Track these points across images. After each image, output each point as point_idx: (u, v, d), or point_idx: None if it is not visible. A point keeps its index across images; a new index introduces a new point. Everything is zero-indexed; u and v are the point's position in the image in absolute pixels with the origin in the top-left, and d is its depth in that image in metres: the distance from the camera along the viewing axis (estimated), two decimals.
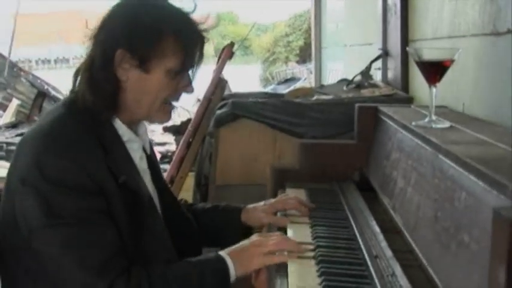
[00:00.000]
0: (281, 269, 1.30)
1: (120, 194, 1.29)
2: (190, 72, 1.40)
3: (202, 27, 1.38)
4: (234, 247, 1.37)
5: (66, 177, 1.23)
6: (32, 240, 1.25)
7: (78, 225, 1.23)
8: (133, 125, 1.41)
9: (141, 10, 1.34)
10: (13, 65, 7.49)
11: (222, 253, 1.34)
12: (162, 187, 1.54)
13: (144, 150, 1.46)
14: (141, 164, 1.42)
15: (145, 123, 1.47)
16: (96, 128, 1.32)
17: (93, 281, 1.22)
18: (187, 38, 1.34)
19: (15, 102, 6.87)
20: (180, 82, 1.38)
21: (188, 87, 1.41)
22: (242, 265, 1.32)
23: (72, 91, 1.38)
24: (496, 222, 0.73)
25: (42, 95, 6.95)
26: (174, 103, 1.42)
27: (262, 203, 1.65)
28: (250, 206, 1.65)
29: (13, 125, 6.65)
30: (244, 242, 1.38)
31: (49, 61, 37.32)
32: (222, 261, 1.32)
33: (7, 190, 1.32)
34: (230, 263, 1.31)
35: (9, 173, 1.32)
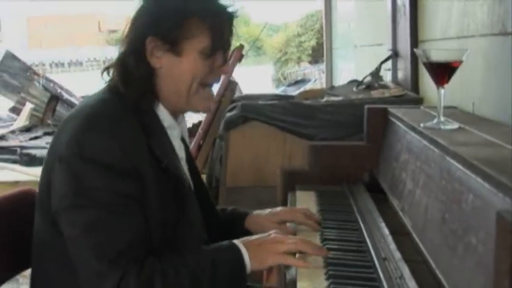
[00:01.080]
0: (289, 271, 1.31)
1: (160, 178, 1.29)
2: (223, 51, 1.40)
3: (228, 7, 1.39)
4: (251, 239, 1.34)
5: (104, 157, 1.23)
6: (59, 219, 1.25)
7: (105, 210, 1.22)
8: (176, 115, 1.42)
9: None
10: (27, 68, 7.54)
11: (238, 243, 1.31)
12: (198, 177, 1.54)
13: (183, 139, 1.47)
14: (180, 152, 1.43)
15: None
16: (138, 113, 1.32)
17: (105, 270, 1.20)
18: (212, 17, 1.35)
19: (28, 106, 6.93)
20: (215, 62, 1.38)
21: (224, 67, 1.41)
22: (257, 259, 1.29)
23: (111, 80, 1.39)
24: (499, 225, 0.73)
25: (55, 98, 6.99)
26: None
27: (267, 211, 1.60)
28: (256, 212, 1.61)
29: (27, 129, 6.70)
30: (262, 236, 1.34)
31: (62, 64, 37.61)
32: (237, 251, 1.29)
33: (45, 170, 1.32)
34: (246, 254, 1.28)
35: (48, 153, 1.33)
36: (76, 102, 6.63)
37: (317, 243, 1.39)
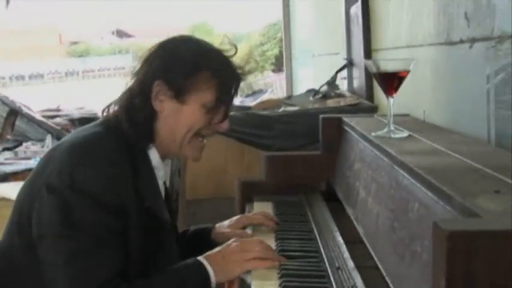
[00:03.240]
0: (243, 285, 1.32)
1: (142, 216, 1.32)
2: (224, 108, 1.43)
3: (240, 68, 1.44)
4: (214, 253, 1.38)
5: (94, 190, 1.26)
6: (39, 245, 1.27)
7: (89, 242, 1.25)
8: (164, 158, 1.45)
9: (182, 46, 1.42)
10: None
11: (203, 260, 1.35)
12: (174, 215, 1.60)
13: (164, 182, 1.49)
14: (162, 192, 1.45)
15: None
16: (130, 150, 1.35)
17: None
18: (223, 76, 1.40)
19: None
20: (214, 118, 1.42)
21: (222, 124, 1.45)
22: (224, 272, 1.33)
23: (107, 115, 1.43)
24: (435, 235, 0.75)
25: (14, 113, 6.87)
26: None
27: (228, 221, 1.67)
28: (218, 224, 1.67)
29: None
30: (223, 247, 1.39)
31: (23, 77, 36.96)
32: (203, 269, 1.32)
33: (28, 194, 1.33)
34: (211, 271, 1.32)
35: (35, 175, 1.34)
36: (36, 116, 6.52)
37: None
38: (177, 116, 1.39)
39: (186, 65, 1.38)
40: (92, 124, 1.46)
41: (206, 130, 1.43)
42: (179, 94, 1.37)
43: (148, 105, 1.38)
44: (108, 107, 1.45)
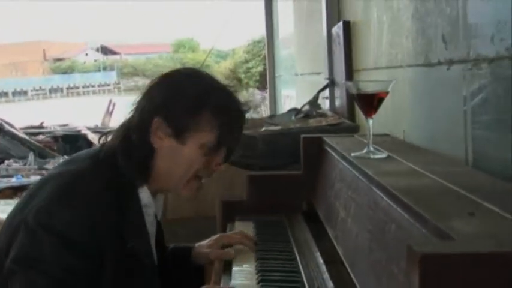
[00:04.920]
0: None
1: (123, 259, 1.29)
2: (225, 150, 1.40)
3: (244, 107, 1.41)
4: None
5: (67, 232, 1.23)
6: (9, 280, 1.25)
7: (52, 283, 1.22)
8: (157, 194, 1.43)
9: (186, 82, 1.37)
10: None
11: None
12: (163, 252, 1.55)
13: (156, 216, 1.46)
14: (151, 229, 1.42)
15: None
16: (117, 187, 1.31)
17: None
18: (225, 116, 1.35)
19: None
20: (214, 159, 1.39)
21: (221, 165, 1.42)
22: None
23: (102, 145, 1.39)
24: (409, 257, 0.76)
25: None
26: None
27: (207, 240, 1.65)
28: (197, 244, 1.65)
29: None
30: None
31: (6, 94, 36.73)
32: None
33: (8, 226, 1.31)
34: None
35: (17, 209, 1.32)
36: (18, 133, 6.48)
37: None
38: (176, 156, 1.35)
39: (187, 103, 1.34)
40: (84, 153, 1.42)
41: (204, 171, 1.40)
42: (179, 133, 1.33)
43: (146, 142, 1.34)
44: (106, 134, 1.41)
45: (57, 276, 1.22)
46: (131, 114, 1.38)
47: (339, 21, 2.87)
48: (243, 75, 20.76)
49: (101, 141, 1.43)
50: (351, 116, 2.63)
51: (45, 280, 1.22)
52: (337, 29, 2.84)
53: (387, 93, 1.54)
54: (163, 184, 1.39)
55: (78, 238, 1.23)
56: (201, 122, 1.33)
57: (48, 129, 7.17)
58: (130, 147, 1.34)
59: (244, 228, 1.85)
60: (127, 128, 1.36)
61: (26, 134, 6.56)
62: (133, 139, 1.34)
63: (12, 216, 1.33)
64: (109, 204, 1.29)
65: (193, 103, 1.34)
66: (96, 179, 1.31)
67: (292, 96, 5.06)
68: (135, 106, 1.38)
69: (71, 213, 1.24)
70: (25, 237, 1.25)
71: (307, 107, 2.97)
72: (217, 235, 1.69)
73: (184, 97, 1.34)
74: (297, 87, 4.75)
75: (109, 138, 1.41)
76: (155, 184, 1.38)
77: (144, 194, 1.37)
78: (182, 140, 1.34)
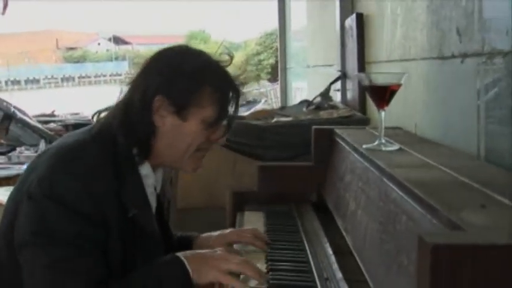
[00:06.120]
0: None
1: (126, 226, 1.31)
2: (224, 123, 1.43)
3: (237, 79, 1.43)
4: (196, 252, 1.38)
5: (72, 200, 1.25)
6: (19, 254, 1.26)
7: (67, 251, 1.23)
8: (157, 167, 1.44)
9: (183, 59, 1.39)
10: None
11: (180, 256, 1.33)
12: (166, 226, 1.56)
13: (155, 188, 1.47)
14: (152, 199, 1.43)
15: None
16: (115, 158, 1.33)
17: None
18: (223, 91, 1.39)
19: None
20: (214, 133, 1.41)
21: (220, 139, 1.45)
22: (197, 272, 1.31)
23: (98, 121, 1.41)
24: (420, 248, 0.76)
25: (8, 117, 6.86)
26: None
27: (217, 233, 1.62)
28: (204, 235, 1.64)
29: None
30: (207, 252, 1.38)
31: (19, 82, 36.92)
32: (181, 264, 1.31)
33: (13, 201, 1.33)
34: (187, 266, 1.31)
35: (20, 182, 1.34)
36: (30, 121, 6.52)
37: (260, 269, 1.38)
38: (178, 133, 1.37)
39: (188, 80, 1.36)
40: (81, 130, 1.43)
41: (204, 145, 1.42)
42: (181, 110, 1.35)
43: (148, 120, 1.35)
44: (100, 112, 1.43)
45: (70, 243, 1.23)
46: (128, 93, 1.39)
47: (352, 13, 2.86)
48: (254, 68, 20.72)
49: (95, 119, 1.44)
50: (363, 108, 2.63)
51: (58, 249, 1.23)
52: (350, 21, 2.83)
53: (400, 85, 1.54)
54: (165, 159, 1.42)
55: (82, 205, 1.25)
56: (202, 97, 1.36)
57: (59, 118, 7.20)
58: (132, 126, 1.35)
59: (254, 218, 1.86)
60: (126, 107, 1.37)
61: (38, 121, 6.59)
62: (133, 118, 1.35)
63: (17, 190, 1.35)
64: (109, 174, 1.31)
65: (194, 80, 1.36)
66: (95, 150, 1.33)
67: (302, 88, 5.06)
68: (131, 86, 1.39)
69: (71, 181, 1.26)
70: (30, 208, 1.26)
71: (318, 99, 2.96)
72: (228, 230, 1.65)
73: (184, 74, 1.36)
74: (308, 80, 4.74)
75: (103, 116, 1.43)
76: (155, 160, 1.40)
77: (144, 167, 1.39)
78: (184, 116, 1.36)
